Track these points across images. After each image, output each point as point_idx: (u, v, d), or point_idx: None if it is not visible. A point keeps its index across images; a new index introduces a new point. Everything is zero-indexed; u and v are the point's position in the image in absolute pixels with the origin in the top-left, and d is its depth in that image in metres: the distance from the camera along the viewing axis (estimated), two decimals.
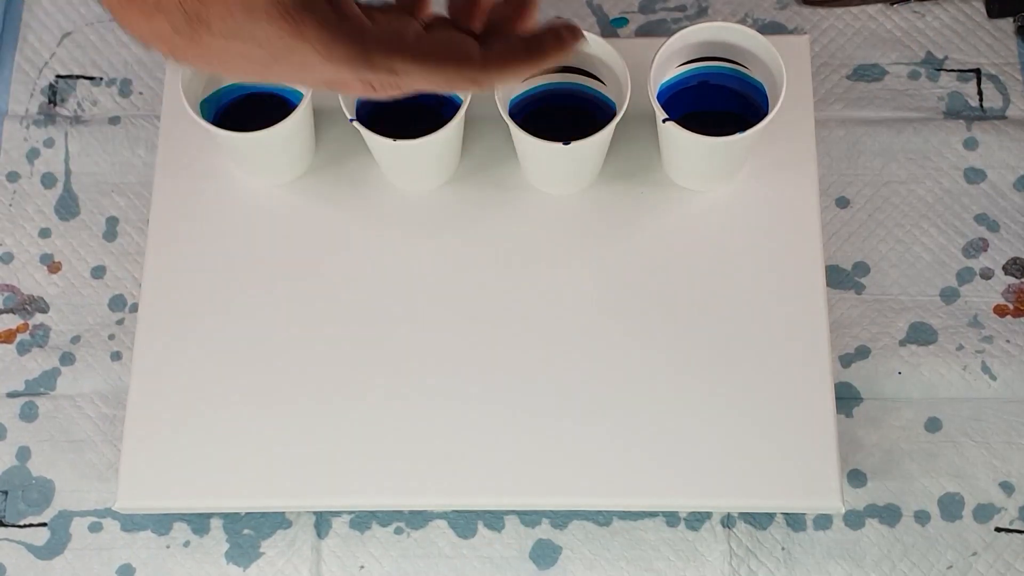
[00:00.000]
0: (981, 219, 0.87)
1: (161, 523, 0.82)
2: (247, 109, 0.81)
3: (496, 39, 0.57)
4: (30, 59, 0.94)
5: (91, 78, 0.93)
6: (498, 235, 0.82)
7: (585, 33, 0.76)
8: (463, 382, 0.79)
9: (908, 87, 0.91)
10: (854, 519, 0.81)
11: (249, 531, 0.82)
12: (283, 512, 0.82)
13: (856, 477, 0.82)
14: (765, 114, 0.76)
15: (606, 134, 0.75)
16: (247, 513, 0.82)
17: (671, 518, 0.81)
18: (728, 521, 0.81)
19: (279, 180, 0.83)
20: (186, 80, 0.77)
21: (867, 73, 0.91)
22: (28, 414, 0.85)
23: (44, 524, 0.83)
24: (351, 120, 0.76)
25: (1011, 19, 0.92)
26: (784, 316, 0.79)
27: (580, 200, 0.83)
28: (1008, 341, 0.84)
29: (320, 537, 0.82)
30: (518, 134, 0.76)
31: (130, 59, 0.94)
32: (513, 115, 0.77)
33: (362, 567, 0.81)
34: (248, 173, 0.83)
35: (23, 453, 0.84)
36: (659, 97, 0.78)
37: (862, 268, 0.86)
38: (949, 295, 0.86)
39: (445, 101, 0.81)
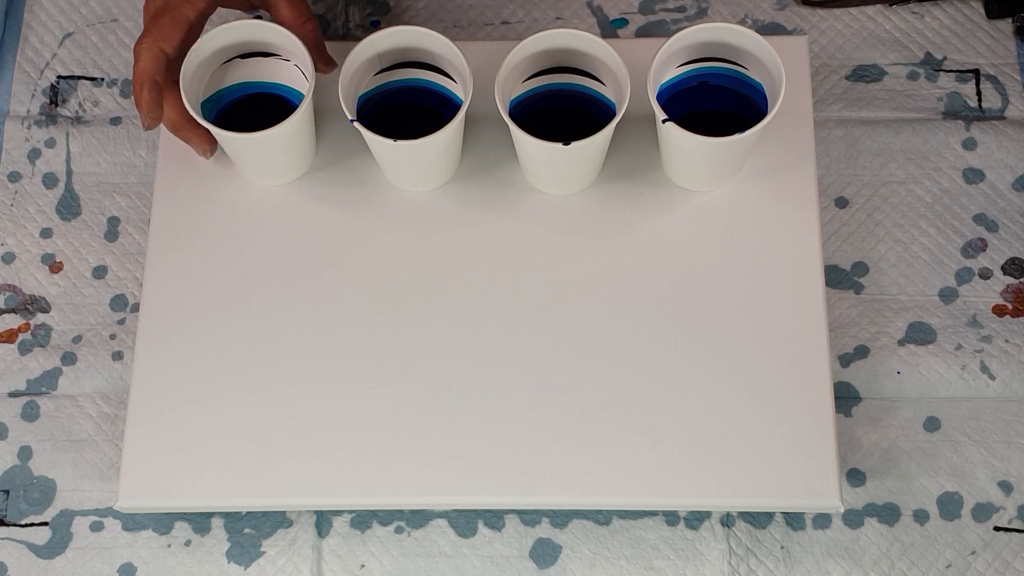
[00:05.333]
0: (980, 219, 0.87)
1: (162, 522, 0.82)
2: (248, 110, 0.81)
3: None
4: (31, 60, 0.94)
5: (92, 78, 0.93)
6: (498, 235, 0.82)
7: (585, 34, 0.77)
8: (463, 382, 0.79)
9: (907, 87, 0.91)
10: (853, 518, 0.81)
11: (250, 530, 0.82)
12: (284, 511, 0.82)
13: (855, 476, 0.82)
14: (764, 114, 0.76)
15: (606, 134, 0.75)
16: (248, 512, 0.82)
17: (671, 517, 0.82)
18: (727, 520, 0.81)
19: (280, 180, 0.84)
20: (187, 81, 0.77)
21: (866, 74, 0.91)
22: (29, 413, 0.85)
23: (45, 523, 0.83)
24: (351, 121, 0.76)
25: (1010, 20, 0.93)
26: (783, 316, 0.79)
27: (580, 200, 0.83)
28: (1007, 341, 0.84)
29: (321, 536, 0.82)
30: (518, 135, 0.76)
31: (131, 60, 0.94)
32: (513, 115, 0.77)
33: (363, 566, 0.81)
34: (249, 174, 0.83)
35: (24, 452, 0.84)
36: (659, 97, 0.78)
37: (861, 268, 0.87)
38: (948, 295, 0.86)
39: (445, 102, 0.81)
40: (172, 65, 0.77)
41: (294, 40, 0.78)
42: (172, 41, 0.76)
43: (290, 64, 0.81)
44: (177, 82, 0.77)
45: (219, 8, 0.79)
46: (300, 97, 0.80)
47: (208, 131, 0.79)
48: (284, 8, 0.79)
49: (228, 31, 0.78)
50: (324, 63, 0.81)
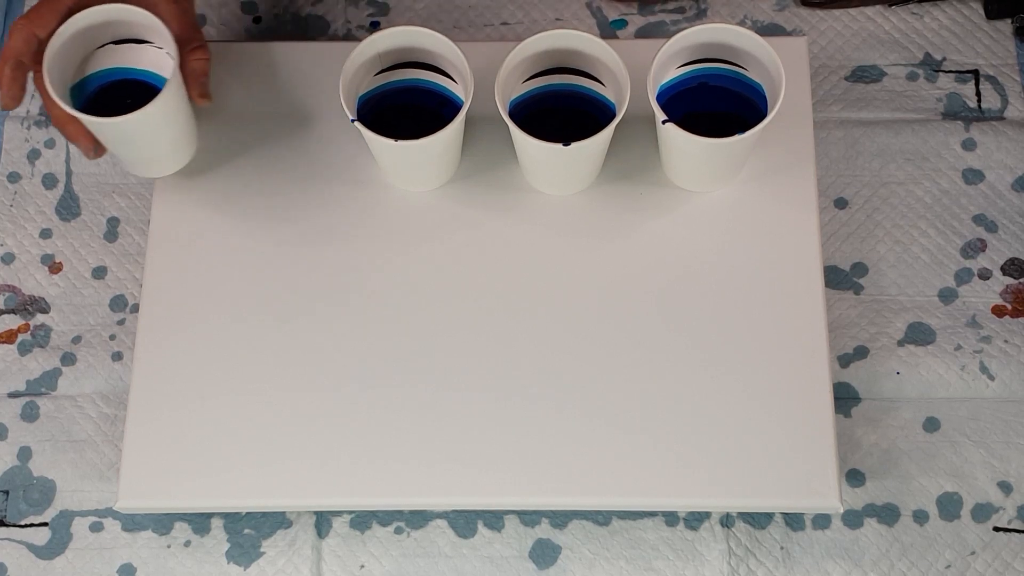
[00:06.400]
0: (979, 220, 0.88)
1: (162, 523, 0.82)
2: (118, 95, 0.79)
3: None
4: None
5: None
6: (498, 236, 0.82)
7: (585, 34, 0.77)
8: (463, 382, 0.79)
9: (906, 88, 0.91)
10: (853, 519, 0.81)
11: (250, 530, 0.82)
12: (284, 512, 0.82)
13: (854, 477, 0.82)
14: (764, 115, 0.76)
15: (606, 135, 0.76)
16: (248, 513, 0.82)
17: (670, 518, 0.82)
18: (727, 521, 0.81)
19: (159, 172, 0.82)
20: (50, 64, 0.74)
21: (865, 74, 0.91)
22: (29, 414, 0.85)
23: (45, 524, 0.83)
24: (352, 120, 0.76)
25: (1009, 20, 0.93)
26: (783, 316, 0.79)
27: (580, 200, 0.83)
28: (1006, 341, 0.84)
29: (320, 536, 0.82)
30: (518, 135, 0.76)
31: None
32: (513, 116, 0.77)
33: (362, 566, 0.81)
34: (127, 165, 0.82)
35: (24, 453, 0.84)
36: (659, 98, 0.78)
37: (860, 269, 0.87)
38: (947, 295, 0.86)
39: (446, 102, 0.81)
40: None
41: (161, 27, 0.76)
42: (47, 27, 0.74)
43: (163, 52, 0.79)
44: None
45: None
46: (164, 83, 0.77)
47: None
48: (173, 27, 0.77)
49: (91, 15, 0.76)
50: (199, 95, 0.79)
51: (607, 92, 0.80)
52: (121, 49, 0.79)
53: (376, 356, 0.79)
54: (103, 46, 0.79)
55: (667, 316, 0.80)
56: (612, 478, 0.77)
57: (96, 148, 0.78)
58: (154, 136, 0.78)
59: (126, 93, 0.79)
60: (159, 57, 0.79)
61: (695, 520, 0.81)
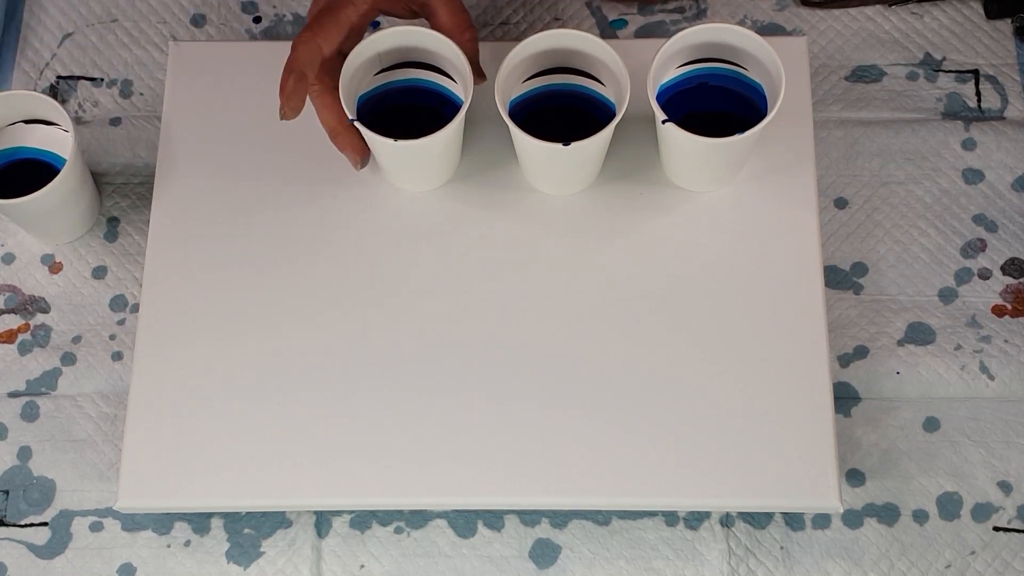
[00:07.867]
0: (979, 219, 0.88)
1: (162, 522, 0.82)
2: (16, 174, 0.84)
3: None
4: (31, 60, 0.94)
5: (92, 79, 0.93)
6: (498, 235, 0.82)
7: (585, 34, 0.77)
8: (463, 382, 0.79)
9: (906, 88, 0.91)
10: (852, 518, 0.81)
11: (250, 530, 0.82)
12: (283, 511, 0.82)
13: (854, 477, 0.82)
14: (764, 115, 0.76)
15: (606, 135, 0.76)
16: (248, 512, 0.82)
17: (670, 517, 0.82)
18: (727, 520, 0.81)
19: (67, 238, 0.88)
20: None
21: (865, 74, 0.91)
22: (29, 414, 0.85)
23: (45, 523, 0.83)
24: (352, 120, 0.76)
25: (1009, 20, 0.93)
26: (783, 316, 0.79)
27: (580, 200, 0.83)
28: (1006, 341, 0.84)
29: (320, 536, 0.82)
30: (518, 135, 0.76)
31: (131, 60, 0.94)
32: (513, 116, 0.77)
33: (362, 566, 0.81)
34: (32, 233, 0.88)
35: (24, 453, 0.84)
36: (658, 98, 0.78)
37: (860, 268, 0.87)
38: (947, 295, 0.86)
39: (446, 102, 0.81)
40: (327, 65, 0.76)
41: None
42: (331, 40, 0.75)
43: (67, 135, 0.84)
44: (338, 88, 0.76)
45: (381, 14, 0.80)
46: (63, 163, 0.83)
47: (362, 141, 0.78)
48: (444, 16, 0.79)
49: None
50: (477, 75, 0.79)
51: (607, 92, 0.80)
52: (28, 128, 0.85)
53: (376, 356, 0.79)
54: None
55: (667, 316, 0.80)
56: (612, 478, 0.77)
57: (364, 160, 0.80)
58: (56, 211, 0.84)
59: (25, 171, 0.84)
60: (64, 138, 0.84)
61: (695, 520, 0.81)
